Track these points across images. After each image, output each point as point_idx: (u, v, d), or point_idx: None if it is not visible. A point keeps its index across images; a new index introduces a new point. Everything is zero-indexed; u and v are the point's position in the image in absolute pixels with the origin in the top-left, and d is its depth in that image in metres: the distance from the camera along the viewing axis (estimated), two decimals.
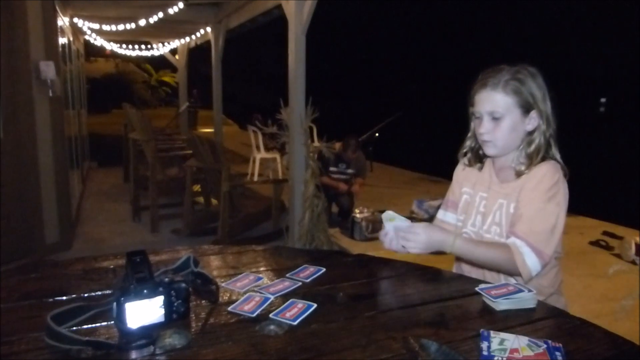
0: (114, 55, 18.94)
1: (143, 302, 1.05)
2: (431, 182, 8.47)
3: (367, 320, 1.16)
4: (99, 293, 1.27)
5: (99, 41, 10.02)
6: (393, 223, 1.49)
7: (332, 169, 5.74)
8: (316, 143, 6.35)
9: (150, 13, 6.91)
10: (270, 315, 1.15)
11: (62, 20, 5.96)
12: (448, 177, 1.86)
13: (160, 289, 1.07)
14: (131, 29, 7.79)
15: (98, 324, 1.10)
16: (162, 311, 1.08)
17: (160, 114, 17.69)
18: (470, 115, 1.67)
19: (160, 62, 17.98)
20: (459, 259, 1.69)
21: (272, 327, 1.10)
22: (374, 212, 5.08)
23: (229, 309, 1.19)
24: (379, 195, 7.27)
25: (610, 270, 4.10)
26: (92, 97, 13.51)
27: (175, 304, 1.10)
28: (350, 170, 5.81)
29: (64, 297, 1.25)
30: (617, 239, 5.11)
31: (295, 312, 1.18)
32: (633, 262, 4.55)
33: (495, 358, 0.97)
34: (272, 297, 1.25)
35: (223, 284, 1.33)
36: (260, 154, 8.21)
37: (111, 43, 10.99)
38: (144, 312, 1.05)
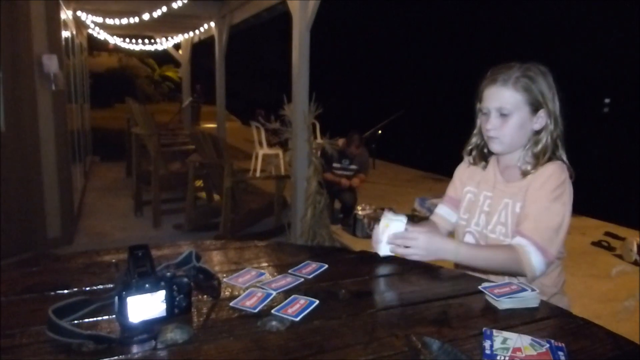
0: (117, 49, 18.89)
1: (145, 296, 1.05)
2: (434, 180, 8.46)
3: (369, 317, 1.16)
4: (101, 287, 1.27)
5: (102, 35, 10.01)
6: (388, 229, 1.48)
7: (335, 165, 5.74)
8: (319, 139, 6.36)
9: (154, 7, 6.91)
10: (272, 311, 1.15)
11: (66, 14, 5.96)
12: (451, 175, 1.85)
13: (162, 283, 1.07)
14: (135, 23, 7.78)
15: (100, 318, 1.10)
16: (164, 306, 1.07)
17: (163, 109, 17.68)
18: (477, 112, 1.66)
19: (163, 57, 17.93)
20: None
21: (274, 323, 1.10)
22: (376, 209, 5.06)
23: (231, 304, 1.19)
24: (382, 192, 7.27)
25: (613, 271, 4.09)
26: (95, 92, 13.51)
27: (177, 299, 1.10)
28: (353, 167, 5.81)
29: (66, 291, 1.25)
30: (619, 239, 5.10)
31: (297, 308, 1.17)
32: (635, 263, 4.54)
33: (498, 357, 0.97)
34: (274, 293, 1.25)
35: (225, 280, 1.33)
36: (263, 150, 8.22)
37: (114, 37, 10.98)
38: (145, 306, 1.05)
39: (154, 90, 25.34)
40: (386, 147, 9.44)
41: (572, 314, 1.23)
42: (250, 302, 1.19)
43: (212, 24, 8.77)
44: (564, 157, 1.56)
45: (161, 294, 1.07)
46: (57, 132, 4.78)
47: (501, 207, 1.60)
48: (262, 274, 1.37)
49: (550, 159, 1.54)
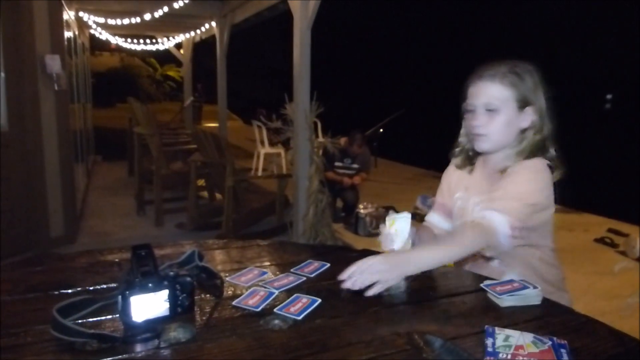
0: (119, 49, 18.93)
1: (148, 295, 1.05)
2: (435, 178, 8.39)
3: (372, 315, 1.16)
4: (104, 286, 1.28)
5: (104, 35, 10.03)
6: (394, 227, 1.47)
7: (337, 164, 5.74)
8: (320, 138, 6.36)
9: (155, 7, 6.92)
10: (275, 310, 1.15)
11: (68, 14, 5.97)
12: None
13: (165, 282, 1.08)
14: (136, 23, 7.79)
15: (103, 317, 1.10)
16: (167, 305, 1.08)
17: (165, 109, 17.72)
18: (462, 112, 1.62)
19: (165, 57, 17.97)
20: None
21: (276, 321, 1.10)
22: (378, 207, 5.06)
23: (234, 303, 1.19)
24: (384, 190, 7.27)
25: (616, 268, 4.09)
26: (97, 91, 13.53)
27: (180, 298, 1.10)
28: (355, 165, 5.81)
29: (69, 290, 1.25)
30: (622, 236, 5.10)
31: (300, 306, 1.18)
32: (638, 260, 4.53)
33: (500, 355, 0.97)
34: (276, 292, 1.25)
35: (227, 279, 1.33)
36: (265, 149, 8.22)
37: (116, 37, 10.99)
38: (148, 305, 1.05)
39: (156, 89, 25.39)
40: (388, 145, 9.44)
41: (574, 311, 1.23)
42: (252, 301, 1.20)
43: (214, 23, 8.78)
44: (553, 153, 1.52)
45: (164, 293, 1.07)
46: (60, 132, 4.79)
47: None
48: (264, 273, 1.38)
49: (533, 156, 1.49)
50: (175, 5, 6.59)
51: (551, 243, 1.58)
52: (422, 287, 1.34)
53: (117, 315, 1.07)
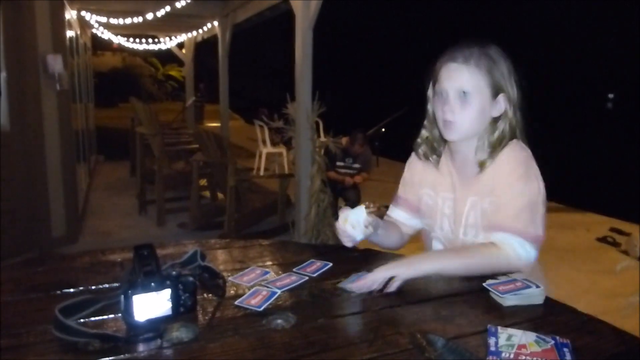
0: (121, 49, 18.96)
1: (150, 295, 1.05)
2: None
3: (374, 315, 1.16)
4: (107, 286, 1.28)
5: (106, 35, 10.03)
6: (348, 223, 1.45)
7: (338, 163, 5.74)
8: (322, 138, 6.36)
9: (157, 7, 6.92)
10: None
11: (70, 14, 5.98)
12: None
13: (168, 282, 1.08)
14: (138, 23, 7.80)
15: (106, 317, 1.10)
16: (170, 304, 1.08)
17: (167, 108, 17.71)
18: (427, 99, 1.52)
19: (167, 56, 17.97)
20: None
21: (278, 321, 1.10)
22: (379, 207, 5.07)
23: (236, 302, 1.19)
24: (385, 190, 7.25)
25: (618, 267, 4.08)
26: (99, 91, 13.54)
27: (183, 298, 1.11)
28: (356, 165, 5.81)
29: (72, 290, 1.26)
30: (624, 235, 5.09)
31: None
32: None
33: (503, 354, 0.97)
34: (278, 292, 1.25)
35: (230, 278, 1.33)
36: (267, 149, 8.22)
37: (118, 37, 11.00)
38: (151, 305, 1.05)
39: (158, 89, 25.42)
40: (389, 145, 9.43)
41: (576, 310, 1.23)
42: (255, 301, 1.20)
43: (215, 23, 8.78)
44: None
45: (167, 292, 1.07)
46: (62, 132, 4.79)
47: (467, 207, 1.47)
48: (266, 273, 1.38)
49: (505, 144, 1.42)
50: (177, 5, 6.60)
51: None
52: (425, 286, 1.34)
53: (120, 315, 1.07)
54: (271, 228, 5.53)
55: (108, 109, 17.94)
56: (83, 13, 7.54)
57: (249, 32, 9.73)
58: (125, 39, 11.58)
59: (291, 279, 1.33)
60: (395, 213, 1.70)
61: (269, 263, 1.48)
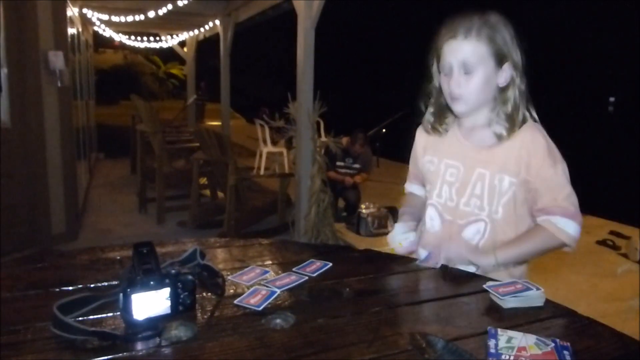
0: (122, 46, 18.96)
1: (149, 293, 1.05)
2: None
3: (374, 315, 1.15)
4: (105, 284, 1.27)
5: (107, 32, 10.04)
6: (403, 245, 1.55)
7: (339, 163, 5.74)
8: (323, 138, 6.36)
9: (159, 5, 6.93)
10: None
11: (72, 11, 5.97)
12: None
13: (167, 280, 1.07)
14: (140, 21, 7.81)
15: (104, 315, 1.10)
16: (169, 303, 1.08)
17: (168, 106, 17.71)
18: (430, 76, 1.54)
19: (168, 54, 18.02)
20: None
21: (278, 320, 1.10)
22: (379, 207, 5.08)
23: (235, 302, 1.18)
24: (386, 190, 7.25)
25: (618, 270, 4.08)
26: (100, 88, 13.55)
27: (182, 296, 1.10)
28: (356, 165, 5.81)
29: (70, 287, 1.25)
30: (624, 238, 5.09)
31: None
32: None
33: (503, 356, 0.96)
34: (278, 291, 1.24)
35: (229, 277, 1.33)
36: (267, 148, 8.22)
37: (120, 34, 11.01)
38: (150, 303, 1.05)
39: (159, 87, 25.41)
40: (390, 145, 9.43)
41: (577, 313, 1.23)
42: (254, 300, 1.19)
43: (217, 21, 8.78)
44: (534, 114, 1.47)
45: (166, 291, 1.07)
46: (63, 129, 4.79)
47: (474, 177, 1.48)
48: (266, 272, 1.37)
49: (524, 121, 1.44)
50: (180, 3, 6.60)
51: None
52: (425, 287, 1.34)
53: (118, 313, 1.07)
54: (271, 227, 5.52)
55: (109, 107, 17.95)
56: (85, 10, 7.55)
57: (251, 31, 9.74)
58: (127, 36, 11.59)
59: (291, 279, 1.33)
60: (412, 187, 1.82)
61: (269, 262, 1.47)
